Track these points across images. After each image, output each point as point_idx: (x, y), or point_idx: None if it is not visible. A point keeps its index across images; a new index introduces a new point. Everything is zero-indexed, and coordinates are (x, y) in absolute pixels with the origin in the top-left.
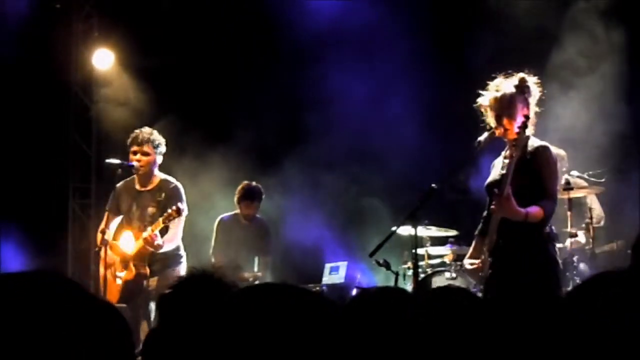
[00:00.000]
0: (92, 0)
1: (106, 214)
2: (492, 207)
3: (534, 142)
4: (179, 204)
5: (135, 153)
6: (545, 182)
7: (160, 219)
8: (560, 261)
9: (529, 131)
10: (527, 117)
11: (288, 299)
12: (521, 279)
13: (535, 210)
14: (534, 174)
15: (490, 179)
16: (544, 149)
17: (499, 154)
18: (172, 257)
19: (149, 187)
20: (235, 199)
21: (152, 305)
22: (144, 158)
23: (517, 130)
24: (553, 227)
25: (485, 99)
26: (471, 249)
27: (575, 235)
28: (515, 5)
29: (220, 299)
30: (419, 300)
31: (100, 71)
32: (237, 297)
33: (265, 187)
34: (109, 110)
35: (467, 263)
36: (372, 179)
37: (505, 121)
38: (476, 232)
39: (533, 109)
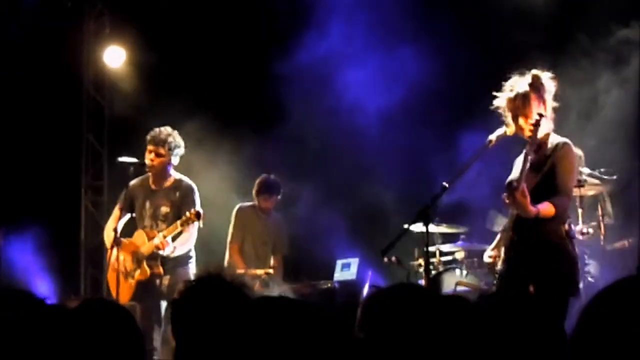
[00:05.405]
0: None
1: (117, 210)
2: (506, 201)
3: (554, 139)
4: (198, 208)
5: (150, 152)
6: (560, 178)
7: (178, 222)
8: (578, 258)
9: (549, 127)
10: (540, 115)
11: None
12: (536, 276)
13: (546, 207)
14: (551, 170)
15: (511, 176)
16: (564, 144)
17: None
18: (183, 257)
19: (164, 186)
20: (254, 191)
21: (164, 304)
22: (157, 159)
23: (530, 128)
24: (572, 225)
25: (501, 100)
26: (494, 242)
27: (587, 233)
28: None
29: (232, 302)
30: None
31: (112, 69)
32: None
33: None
34: (121, 108)
35: (487, 255)
36: (384, 175)
37: (521, 121)
38: (501, 228)
39: (550, 104)
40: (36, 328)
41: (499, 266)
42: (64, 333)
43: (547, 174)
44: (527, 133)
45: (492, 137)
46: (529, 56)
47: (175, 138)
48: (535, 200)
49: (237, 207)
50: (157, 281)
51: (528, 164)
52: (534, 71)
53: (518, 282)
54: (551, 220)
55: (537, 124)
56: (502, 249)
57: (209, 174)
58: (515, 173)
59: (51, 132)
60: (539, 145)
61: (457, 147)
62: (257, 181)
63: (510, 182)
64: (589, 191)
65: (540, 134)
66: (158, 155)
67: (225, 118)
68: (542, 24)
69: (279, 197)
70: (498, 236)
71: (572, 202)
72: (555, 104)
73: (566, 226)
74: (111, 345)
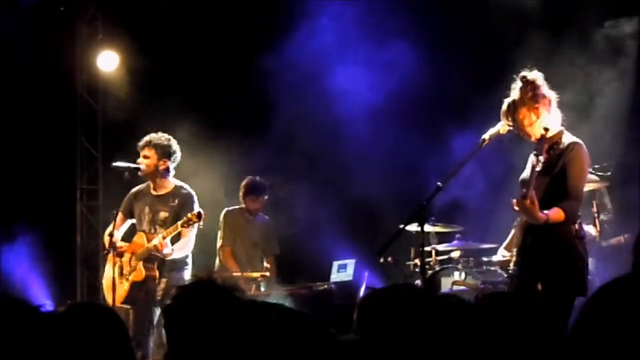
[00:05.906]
0: (96, 3)
1: (117, 215)
2: (515, 208)
3: (566, 139)
4: (200, 210)
5: (140, 158)
6: (570, 180)
7: (179, 223)
8: (588, 258)
9: (558, 123)
10: (546, 130)
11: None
12: (544, 275)
13: (555, 213)
14: (562, 171)
15: (523, 175)
16: (574, 145)
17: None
18: (180, 262)
19: (163, 192)
20: (240, 194)
21: (156, 308)
22: (145, 161)
23: (535, 139)
24: (583, 225)
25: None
26: (508, 239)
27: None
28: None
29: (225, 306)
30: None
31: (105, 73)
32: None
33: (272, 185)
34: (114, 112)
35: (500, 255)
36: (380, 176)
37: (519, 130)
38: (515, 223)
39: (553, 98)
40: (20, 332)
41: (511, 267)
42: (49, 337)
43: (558, 175)
44: (532, 140)
45: (486, 135)
46: (521, 53)
47: (161, 138)
48: (547, 202)
49: (224, 211)
50: (152, 284)
51: (535, 172)
52: (522, 73)
53: (528, 282)
54: (562, 222)
55: (542, 139)
56: (515, 250)
57: (202, 176)
58: (527, 172)
59: (45, 136)
60: (551, 145)
61: (451, 145)
62: (243, 184)
63: (522, 182)
64: (584, 188)
65: (550, 132)
66: (145, 157)
67: (218, 120)
68: (534, 21)
69: (266, 197)
70: (511, 234)
71: None
72: (557, 96)
73: (576, 226)
74: (97, 348)
